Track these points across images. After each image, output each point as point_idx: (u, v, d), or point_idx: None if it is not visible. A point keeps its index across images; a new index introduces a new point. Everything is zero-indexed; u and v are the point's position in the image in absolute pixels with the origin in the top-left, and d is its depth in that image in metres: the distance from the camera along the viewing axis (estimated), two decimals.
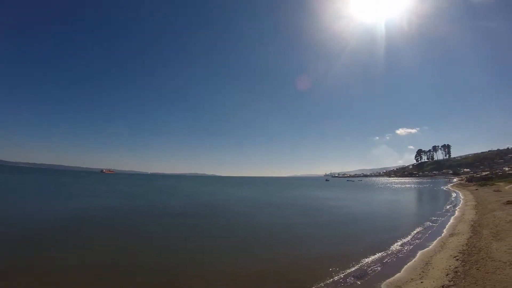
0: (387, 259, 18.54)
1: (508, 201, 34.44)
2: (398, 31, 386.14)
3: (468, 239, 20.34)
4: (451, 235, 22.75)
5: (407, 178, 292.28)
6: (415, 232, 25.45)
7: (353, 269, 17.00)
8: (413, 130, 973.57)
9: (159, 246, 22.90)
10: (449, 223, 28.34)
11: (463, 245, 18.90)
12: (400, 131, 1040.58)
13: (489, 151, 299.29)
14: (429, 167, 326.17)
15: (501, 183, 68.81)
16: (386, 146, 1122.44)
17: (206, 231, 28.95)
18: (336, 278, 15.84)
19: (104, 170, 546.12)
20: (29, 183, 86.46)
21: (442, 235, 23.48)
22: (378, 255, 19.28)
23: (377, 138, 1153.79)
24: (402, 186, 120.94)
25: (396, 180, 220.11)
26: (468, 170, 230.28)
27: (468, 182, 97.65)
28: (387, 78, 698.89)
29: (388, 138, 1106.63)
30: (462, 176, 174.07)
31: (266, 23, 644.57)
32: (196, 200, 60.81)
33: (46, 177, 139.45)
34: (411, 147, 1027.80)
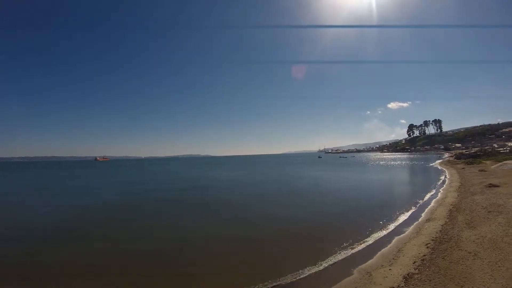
0: (364, 246, 19.57)
1: (490, 184, 35.73)
2: (390, 3, 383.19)
3: (442, 225, 21.38)
4: (428, 220, 23.81)
5: (399, 153, 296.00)
6: (396, 217, 26.38)
7: (329, 255, 17.93)
8: (405, 104, 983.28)
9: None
10: (429, 207, 29.42)
11: (436, 232, 19.92)
12: (392, 105, 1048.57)
13: (480, 126, 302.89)
14: (421, 142, 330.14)
15: (488, 162, 70.50)
16: (378, 120, 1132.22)
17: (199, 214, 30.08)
18: (309, 264, 16.74)
19: (98, 158, 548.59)
20: (25, 181, 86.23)
21: (420, 220, 24.56)
22: (356, 241, 20.24)
23: (369, 112, 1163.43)
24: (394, 163, 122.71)
25: (388, 156, 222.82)
26: (459, 145, 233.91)
27: (457, 159, 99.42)
28: (379, 52, 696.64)
29: (380, 112, 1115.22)
30: (452, 152, 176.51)
31: (261, 14, 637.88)
32: (186, 184, 61.92)
33: (41, 172, 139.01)
34: (403, 121, 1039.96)
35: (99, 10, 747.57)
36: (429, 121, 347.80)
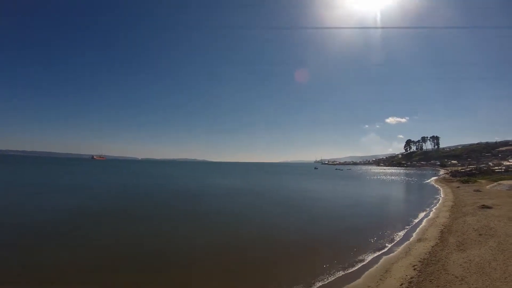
0: (352, 265, 19.44)
1: (483, 205, 35.74)
2: (392, 21, 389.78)
3: (433, 246, 21.35)
4: (418, 240, 23.80)
5: (395, 167, 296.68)
6: (387, 235, 26.35)
7: (317, 273, 17.81)
8: (403, 120, 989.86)
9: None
10: (420, 226, 29.49)
11: (425, 253, 19.89)
12: (390, 120, 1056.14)
13: (477, 143, 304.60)
14: (417, 158, 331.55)
15: (483, 181, 70.72)
16: (376, 134, 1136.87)
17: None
18: (299, 281, 16.63)
19: (94, 157, 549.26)
20: (20, 176, 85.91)
21: (411, 239, 24.54)
22: (345, 260, 20.15)
23: (367, 126, 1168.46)
24: (389, 178, 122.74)
25: (384, 170, 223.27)
26: (455, 162, 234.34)
27: (452, 177, 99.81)
28: (379, 67, 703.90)
29: (378, 126, 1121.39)
30: (448, 168, 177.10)
31: (261, 16, 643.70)
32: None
33: (38, 168, 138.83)
34: (401, 136, 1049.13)
35: (100, 8, 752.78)
36: (427, 137, 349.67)
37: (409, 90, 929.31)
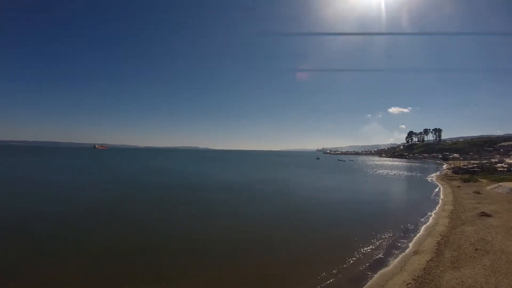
0: (346, 279, 19.81)
1: (482, 212, 36.15)
2: (396, 10, 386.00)
3: (428, 261, 21.85)
4: (415, 252, 24.29)
5: (397, 159, 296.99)
6: (385, 245, 26.84)
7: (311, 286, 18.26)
8: (405, 110, 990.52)
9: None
10: (418, 235, 29.94)
11: (420, 270, 20.41)
12: (393, 110, 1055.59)
13: (479, 137, 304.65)
14: (419, 150, 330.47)
15: (484, 181, 71.03)
16: (378, 124, 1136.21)
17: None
18: None
19: (96, 146, 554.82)
20: (23, 167, 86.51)
21: (407, 251, 25.08)
22: (341, 271, 20.56)
23: (369, 115, 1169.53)
24: (391, 172, 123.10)
25: (386, 162, 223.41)
26: (457, 155, 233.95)
27: (454, 173, 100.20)
28: (383, 57, 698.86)
29: (380, 116, 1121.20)
30: (450, 162, 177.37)
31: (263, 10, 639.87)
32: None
33: (40, 159, 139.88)
34: (403, 126, 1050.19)
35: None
36: (429, 129, 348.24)
37: (412, 80, 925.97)
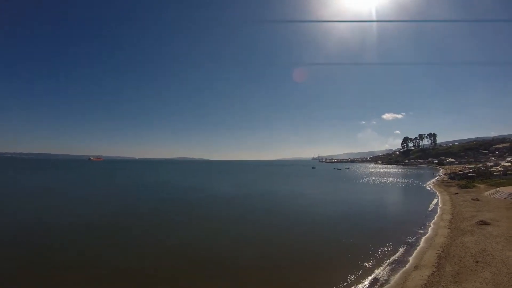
0: None
1: (481, 221, 36.28)
2: (388, 16, 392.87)
3: (429, 276, 21.82)
4: (416, 267, 24.24)
5: (393, 165, 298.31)
6: (385, 259, 26.72)
7: None
8: (399, 116, 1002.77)
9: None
10: (418, 248, 29.92)
11: (422, 286, 20.32)
12: (386, 116, 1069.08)
13: (474, 140, 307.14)
14: (415, 155, 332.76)
15: (481, 186, 71.38)
16: (372, 130, 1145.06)
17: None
18: None
19: (92, 158, 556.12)
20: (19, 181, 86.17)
21: (407, 266, 25.00)
22: None
23: (364, 122, 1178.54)
24: (387, 180, 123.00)
25: (382, 170, 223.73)
26: (453, 160, 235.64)
27: (451, 179, 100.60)
28: (375, 64, 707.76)
29: (374, 122, 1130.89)
30: (446, 167, 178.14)
31: (255, 12, 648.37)
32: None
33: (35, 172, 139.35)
34: (397, 131, 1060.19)
35: (102, 11, 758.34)
36: (424, 134, 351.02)
37: (405, 86, 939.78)
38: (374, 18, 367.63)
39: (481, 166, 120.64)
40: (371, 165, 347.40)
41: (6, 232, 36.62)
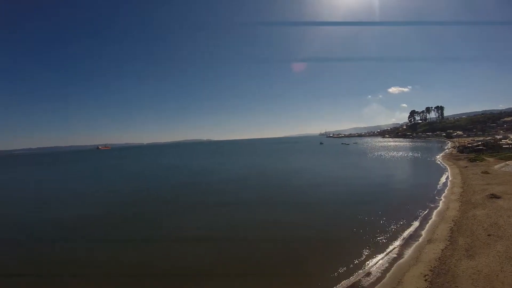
0: (364, 273, 20.27)
1: (492, 194, 36.53)
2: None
3: (442, 250, 22.33)
4: (429, 241, 24.73)
5: (401, 139, 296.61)
6: (398, 233, 27.34)
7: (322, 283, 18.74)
8: (405, 89, 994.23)
9: None
10: (430, 222, 30.41)
11: (435, 259, 20.91)
12: (393, 90, 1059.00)
13: (482, 113, 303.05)
14: (422, 128, 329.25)
15: (491, 159, 71.10)
16: (379, 104, 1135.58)
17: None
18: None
19: (99, 147, 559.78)
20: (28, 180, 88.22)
21: (420, 240, 25.53)
22: (355, 266, 21.06)
23: (370, 96, 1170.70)
24: (396, 154, 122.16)
25: (390, 143, 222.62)
26: (461, 133, 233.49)
27: (459, 152, 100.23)
28: (379, 36, 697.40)
29: (380, 96, 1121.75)
30: (455, 140, 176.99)
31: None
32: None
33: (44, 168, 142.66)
34: (404, 105, 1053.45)
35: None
36: (431, 107, 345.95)
37: (411, 59, 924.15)
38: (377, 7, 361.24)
39: (490, 139, 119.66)
40: (379, 139, 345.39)
41: (42, 227, 37.79)
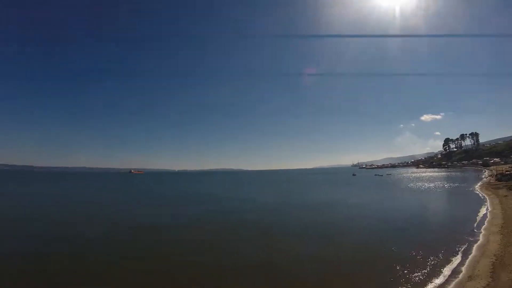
0: None
1: None
2: (413, 14, 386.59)
3: (484, 287, 21.13)
4: (469, 277, 23.70)
5: (436, 169, 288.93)
6: (437, 270, 26.16)
7: None
8: (438, 116, 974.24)
9: None
10: (470, 257, 29.03)
11: None
12: (425, 117, 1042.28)
13: None
14: (457, 157, 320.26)
15: None
16: (411, 133, 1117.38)
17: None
18: None
19: (132, 171, 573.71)
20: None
21: (460, 276, 24.44)
22: None
23: (402, 125, 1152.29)
24: (432, 185, 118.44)
25: (425, 174, 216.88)
26: (498, 160, 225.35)
27: (498, 181, 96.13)
28: (407, 64, 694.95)
29: (413, 125, 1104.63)
30: (492, 168, 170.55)
31: (285, 19, 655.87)
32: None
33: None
34: (437, 133, 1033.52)
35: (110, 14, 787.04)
36: (466, 134, 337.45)
37: (440, 85, 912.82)
38: (399, 16, 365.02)
39: None
40: (413, 169, 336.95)
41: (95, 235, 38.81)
